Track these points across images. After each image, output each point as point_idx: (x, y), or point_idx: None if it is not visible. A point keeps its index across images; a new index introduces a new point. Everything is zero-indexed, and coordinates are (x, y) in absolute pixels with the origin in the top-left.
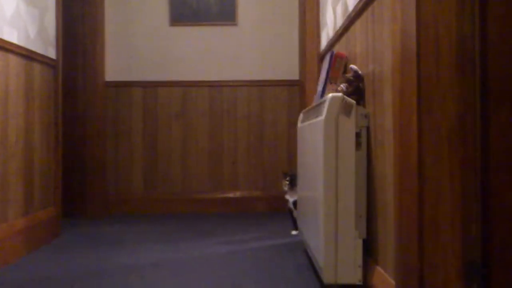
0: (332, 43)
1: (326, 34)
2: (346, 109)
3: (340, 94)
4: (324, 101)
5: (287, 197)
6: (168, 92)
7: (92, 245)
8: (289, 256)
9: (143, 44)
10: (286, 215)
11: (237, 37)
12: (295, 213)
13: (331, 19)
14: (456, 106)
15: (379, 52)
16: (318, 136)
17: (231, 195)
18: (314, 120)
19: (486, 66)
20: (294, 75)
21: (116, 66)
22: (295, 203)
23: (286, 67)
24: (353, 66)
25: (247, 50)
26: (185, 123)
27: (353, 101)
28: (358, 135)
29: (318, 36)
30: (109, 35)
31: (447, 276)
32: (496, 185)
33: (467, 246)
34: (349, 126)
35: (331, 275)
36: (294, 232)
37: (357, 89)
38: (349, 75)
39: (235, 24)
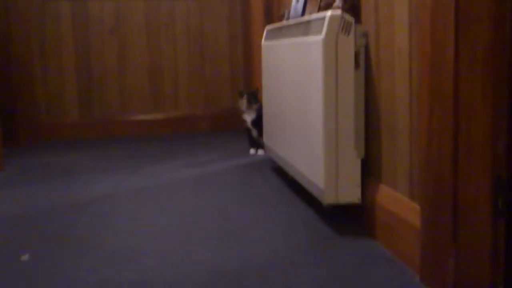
0: None
1: None
2: (345, 28)
3: (338, 11)
4: (321, 18)
5: (245, 116)
6: (99, 5)
7: (47, 177)
8: (260, 176)
9: None
10: (232, 133)
11: None
12: (253, 132)
13: None
14: (490, 26)
15: None
16: (314, 56)
17: (173, 114)
18: (302, 38)
19: None
20: None
21: None
22: (253, 122)
23: None
24: None
25: None
26: (120, 39)
27: (352, 19)
28: (356, 54)
29: None
30: None
31: (477, 191)
32: None
33: (495, 163)
34: (348, 46)
35: (332, 195)
36: (252, 151)
37: (352, 5)
38: None
39: None
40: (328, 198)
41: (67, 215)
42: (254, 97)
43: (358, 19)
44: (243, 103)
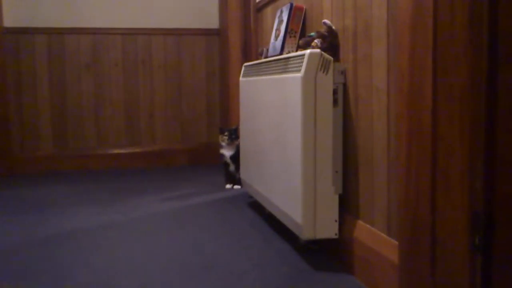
0: None
1: None
2: (324, 66)
3: (317, 50)
4: (300, 56)
5: (224, 151)
6: (76, 40)
7: (21, 210)
8: (237, 210)
9: None
10: (209, 168)
11: None
12: (231, 167)
13: None
14: (467, 66)
15: (364, 7)
16: (293, 93)
17: (149, 149)
18: (281, 75)
19: (495, 23)
20: (213, 24)
21: (16, 10)
22: (232, 157)
23: (205, 15)
24: (326, 21)
25: None
26: (97, 74)
27: (331, 58)
28: (335, 91)
29: None
30: None
31: (454, 227)
32: (501, 143)
33: (472, 200)
34: (326, 83)
35: (309, 230)
36: (228, 186)
37: (330, 45)
38: (323, 30)
39: None
40: (306, 233)
41: (41, 249)
42: (236, 134)
43: (336, 58)
44: (224, 139)
